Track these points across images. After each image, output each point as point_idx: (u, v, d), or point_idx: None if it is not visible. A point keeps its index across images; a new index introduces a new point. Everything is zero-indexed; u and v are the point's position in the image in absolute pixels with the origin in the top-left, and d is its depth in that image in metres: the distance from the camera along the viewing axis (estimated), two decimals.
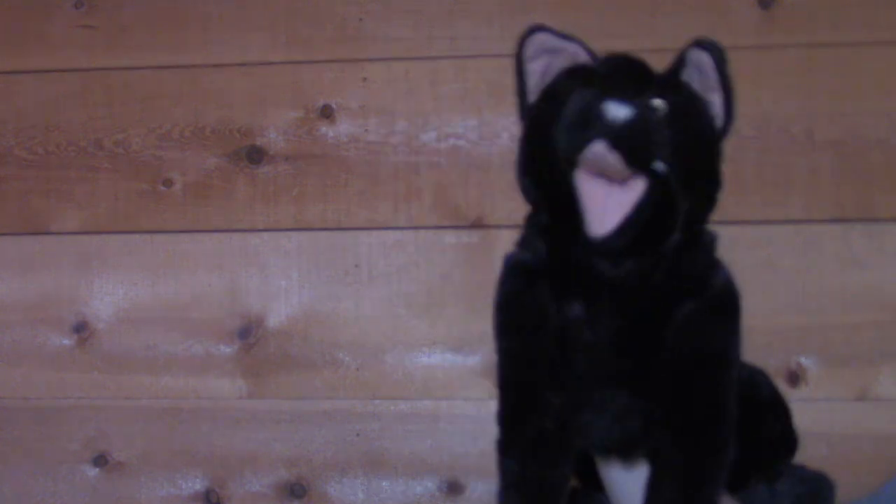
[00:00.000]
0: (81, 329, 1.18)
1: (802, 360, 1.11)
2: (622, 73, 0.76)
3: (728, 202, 1.11)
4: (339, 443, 1.16)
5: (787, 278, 1.11)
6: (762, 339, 1.10)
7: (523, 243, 0.79)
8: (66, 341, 1.19)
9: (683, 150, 0.73)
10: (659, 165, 0.71)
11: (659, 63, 1.11)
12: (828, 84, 1.11)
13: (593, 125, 0.70)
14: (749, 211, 1.12)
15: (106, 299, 1.18)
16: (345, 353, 1.16)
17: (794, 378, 1.10)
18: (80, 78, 1.19)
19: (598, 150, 0.70)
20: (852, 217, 1.11)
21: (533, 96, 0.80)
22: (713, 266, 0.79)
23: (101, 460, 1.18)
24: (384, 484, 1.15)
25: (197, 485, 1.17)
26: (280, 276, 1.17)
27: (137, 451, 1.17)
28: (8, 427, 1.19)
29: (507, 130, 1.14)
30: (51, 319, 1.19)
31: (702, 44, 0.76)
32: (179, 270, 1.18)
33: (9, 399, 1.19)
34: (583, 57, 0.80)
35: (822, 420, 1.10)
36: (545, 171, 0.75)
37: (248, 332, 1.17)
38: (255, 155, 1.17)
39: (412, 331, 1.15)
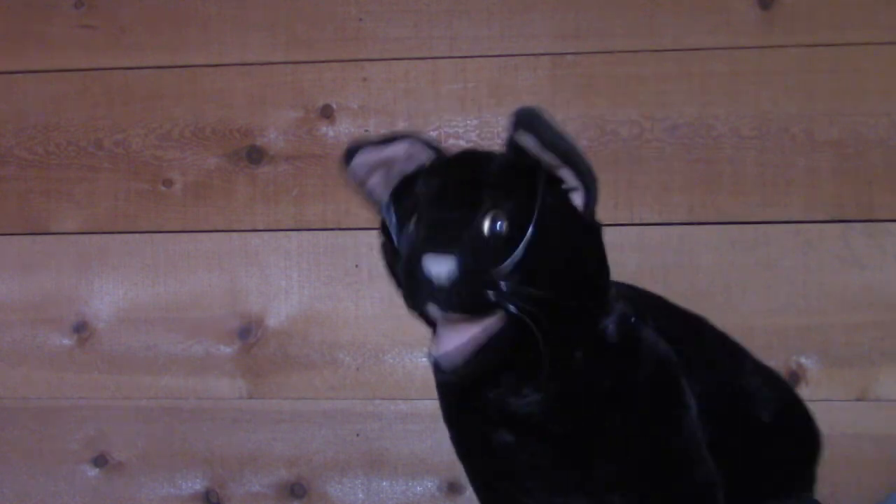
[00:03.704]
0: (81, 329, 1.18)
1: (802, 360, 1.11)
2: (444, 199, 0.69)
3: (728, 202, 1.12)
4: (339, 443, 1.16)
5: (787, 278, 1.11)
6: (762, 339, 1.10)
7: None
8: (66, 341, 1.19)
9: (538, 264, 0.66)
10: (508, 302, 0.65)
11: (657, 64, 1.12)
12: (828, 84, 1.11)
13: (420, 289, 0.66)
14: (749, 211, 1.12)
15: (106, 299, 1.18)
16: (345, 353, 1.16)
17: (794, 378, 1.10)
18: (80, 78, 1.19)
19: (434, 312, 0.67)
20: (852, 217, 1.11)
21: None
22: (631, 359, 0.73)
23: (101, 460, 1.18)
24: (384, 484, 1.15)
25: (197, 485, 1.17)
26: (280, 276, 1.17)
27: (137, 451, 1.17)
28: (8, 427, 1.19)
29: (507, 130, 1.14)
30: (51, 319, 1.19)
31: (520, 121, 0.69)
32: (179, 270, 1.18)
33: (9, 399, 1.19)
34: (419, 153, 0.73)
35: (822, 420, 1.09)
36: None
37: (248, 332, 1.17)
38: (255, 155, 1.17)
39: (412, 331, 1.14)
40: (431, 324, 0.72)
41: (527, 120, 0.68)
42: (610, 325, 0.73)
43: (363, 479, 1.15)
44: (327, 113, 1.17)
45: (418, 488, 1.15)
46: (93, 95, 1.19)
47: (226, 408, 1.17)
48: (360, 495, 1.15)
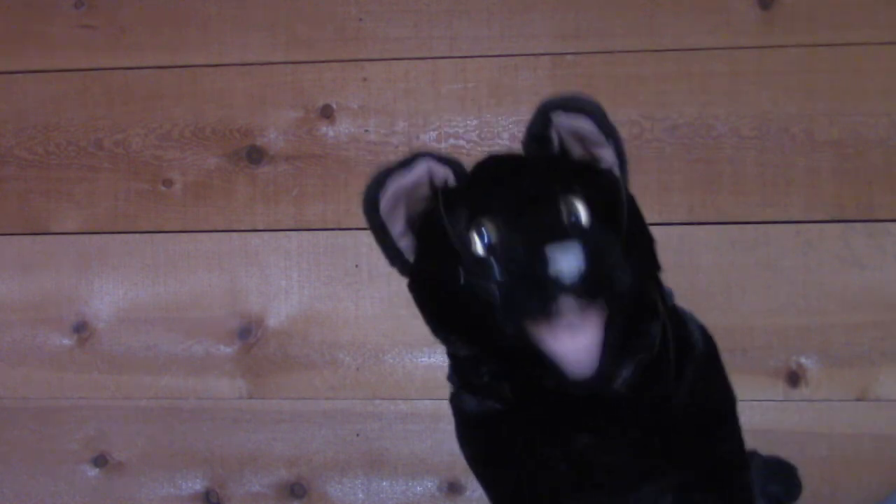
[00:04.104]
0: (81, 329, 1.18)
1: (802, 360, 1.11)
2: (523, 195, 0.66)
3: (728, 202, 1.12)
4: (339, 443, 1.16)
5: (787, 278, 1.11)
6: (762, 339, 1.10)
7: (476, 389, 0.72)
8: (66, 341, 1.18)
9: (633, 238, 0.66)
10: (628, 281, 0.64)
11: (657, 64, 1.12)
12: (828, 84, 1.11)
13: (548, 286, 0.61)
14: (749, 211, 1.12)
15: (106, 299, 1.18)
16: (345, 353, 1.16)
17: (794, 378, 1.10)
18: (80, 78, 1.19)
19: (570, 307, 0.62)
20: (852, 217, 1.11)
21: (402, 240, 0.71)
22: (684, 323, 0.74)
23: (101, 460, 1.18)
24: (384, 484, 1.15)
25: (197, 485, 1.17)
26: (280, 276, 1.17)
27: (137, 451, 1.17)
28: (8, 427, 1.19)
29: (507, 130, 1.15)
30: (51, 319, 1.19)
31: (566, 106, 0.68)
32: (179, 270, 1.17)
33: (9, 399, 1.19)
34: (437, 170, 0.70)
35: (822, 420, 1.10)
36: (469, 331, 0.67)
37: (248, 332, 1.17)
38: (255, 155, 1.17)
39: (412, 331, 1.14)
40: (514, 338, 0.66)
41: (572, 104, 0.68)
42: (666, 288, 0.74)
43: (363, 479, 1.15)
44: (327, 113, 1.17)
45: (418, 488, 1.15)
46: (93, 95, 1.19)
47: (226, 408, 1.17)
48: (360, 495, 1.15)
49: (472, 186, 0.69)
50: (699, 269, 1.11)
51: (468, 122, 1.15)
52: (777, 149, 1.12)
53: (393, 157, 1.15)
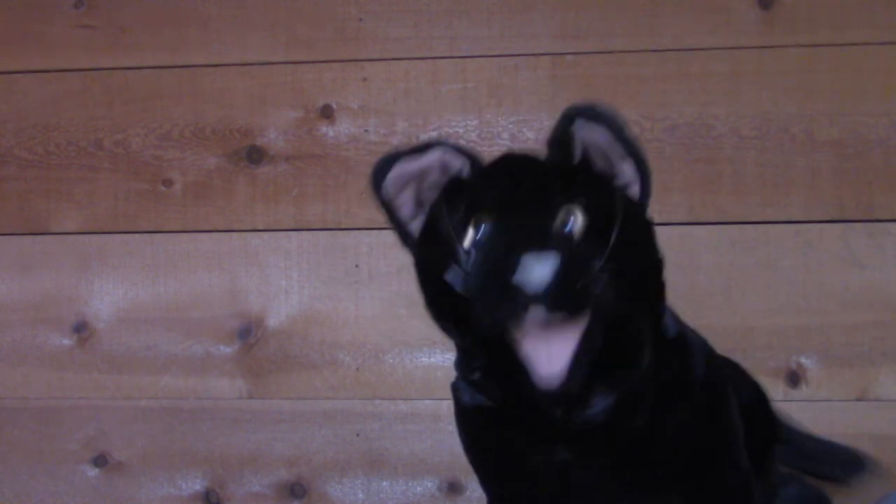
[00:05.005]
0: (81, 329, 1.18)
1: (802, 360, 1.11)
2: (519, 199, 0.65)
3: (728, 202, 1.12)
4: (339, 443, 1.16)
5: (787, 278, 1.11)
6: (762, 339, 1.10)
7: (472, 382, 0.72)
8: (66, 341, 1.19)
9: (625, 256, 0.64)
10: (605, 298, 0.62)
11: (657, 64, 1.12)
12: (828, 84, 1.11)
13: (517, 294, 0.60)
14: (749, 211, 1.12)
15: (106, 299, 1.18)
16: (345, 353, 1.16)
17: (794, 378, 1.10)
18: (80, 78, 1.19)
19: (538, 317, 0.61)
20: (852, 217, 1.11)
21: (413, 222, 0.71)
22: (686, 361, 0.72)
23: (101, 460, 1.18)
24: (384, 484, 1.15)
25: (197, 485, 1.17)
26: (280, 276, 1.17)
27: (137, 451, 1.17)
28: (8, 427, 1.19)
29: (507, 130, 1.15)
30: (51, 319, 1.19)
31: (586, 114, 0.67)
32: (179, 270, 1.18)
33: (9, 399, 1.19)
34: (452, 160, 0.70)
35: (822, 420, 1.09)
36: (459, 321, 0.66)
37: (248, 332, 1.17)
38: (255, 155, 1.17)
39: (412, 331, 1.14)
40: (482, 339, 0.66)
41: (592, 112, 0.67)
42: (669, 320, 0.72)
43: (363, 479, 1.15)
44: (327, 113, 1.17)
45: (418, 488, 1.15)
46: (93, 95, 1.19)
47: (226, 408, 1.17)
48: (360, 495, 1.15)
49: (479, 181, 0.68)
50: (699, 269, 1.11)
51: (468, 122, 1.15)
52: (777, 149, 1.12)
53: None
